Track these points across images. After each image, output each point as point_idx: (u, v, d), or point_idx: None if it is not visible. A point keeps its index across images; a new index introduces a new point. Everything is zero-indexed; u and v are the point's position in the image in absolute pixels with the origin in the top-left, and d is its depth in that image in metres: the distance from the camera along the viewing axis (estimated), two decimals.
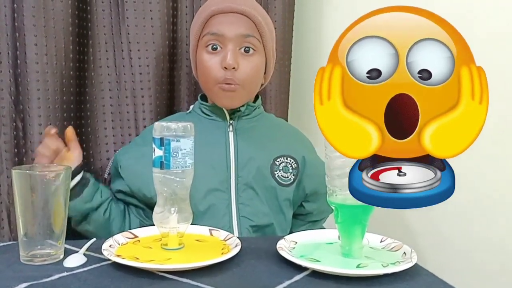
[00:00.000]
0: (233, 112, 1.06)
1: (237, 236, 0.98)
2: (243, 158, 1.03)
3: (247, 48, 1.02)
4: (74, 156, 0.97)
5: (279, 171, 1.04)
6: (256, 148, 1.05)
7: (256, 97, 1.12)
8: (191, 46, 1.09)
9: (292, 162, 1.06)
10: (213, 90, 1.04)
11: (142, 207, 1.05)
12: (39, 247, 0.75)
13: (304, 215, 1.13)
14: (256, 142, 1.06)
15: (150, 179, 0.96)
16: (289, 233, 1.07)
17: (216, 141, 1.04)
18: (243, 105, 1.06)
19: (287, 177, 1.05)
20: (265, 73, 1.10)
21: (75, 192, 0.96)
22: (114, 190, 1.07)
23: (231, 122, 1.06)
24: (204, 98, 1.11)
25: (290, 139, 1.12)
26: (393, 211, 1.23)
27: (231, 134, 1.05)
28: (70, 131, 0.98)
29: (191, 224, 0.81)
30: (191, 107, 1.14)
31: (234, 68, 1.00)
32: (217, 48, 1.02)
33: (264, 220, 1.02)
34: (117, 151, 1.13)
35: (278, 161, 1.05)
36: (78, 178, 0.97)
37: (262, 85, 1.12)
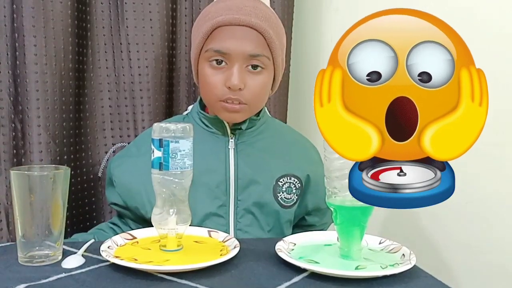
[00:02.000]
0: (234, 129, 1.00)
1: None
2: (243, 181, 0.97)
3: (254, 65, 0.94)
4: None
5: (282, 192, 0.99)
6: (258, 168, 0.99)
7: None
8: (192, 54, 1.00)
9: (296, 182, 1.00)
10: (215, 106, 0.96)
11: (140, 223, 1.02)
12: (37, 248, 0.75)
13: (306, 226, 1.09)
14: (258, 161, 0.99)
15: (146, 198, 0.95)
16: None
17: (215, 159, 0.98)
18: (244, 121, 0.99)
19: (290, 198, 1.00)
20: (272, 84, 1.02)
21: None
22: (109, 202, 1.04)
23: (231, 136, 0.99)
24: (203, 103, 1.04)
25: (295, 153, 1.05)
26: (392, 213, 1.23)
27: (231, 152, 0.98)
28: None
29: (190, 225, 0.81)
30: (190, 108, 1.09)
31: (240, 88, 0.92)
32: (221, 62, 0.93)
33: None
34: (111, 159, 1.08)
35: (282, 182, 0.99)
36: None
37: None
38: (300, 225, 1.09)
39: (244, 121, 0.99)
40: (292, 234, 1.04)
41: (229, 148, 0.99)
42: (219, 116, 0.98)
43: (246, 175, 0.98)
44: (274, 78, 1.00)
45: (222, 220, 0.97)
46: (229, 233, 0.94)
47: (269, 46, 0.94)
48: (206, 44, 0.94)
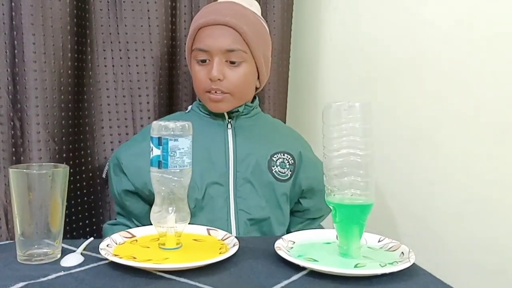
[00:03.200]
0: (231, 112, 1.07)
1: (235, 229, 1.01)
2: (241, 154, 1.05)
3: (232, 61, 1.03)
4: None
5: (277, 166, 1.06)
6: (254, 144, 1.07)
7: (254, 97, 1.13)
8: (186, 54, 1.11)
9: (289, 158, 1.07)
10: (203, 98, 1.07)
11: (142, 216, 1.04)
12: (36, 246, 0.75)
13: (302, 211, 1.14)
14: (254, 140, 1.07)
15: None
16: (286, 230, 1.09)
17: (215, 138, 1.06)
18: (240, 106, 1.07)
19: (284, 173, 1.06)
20: (258, 77, 1.10)
21: None
22: (120, 191, 1.05)
23: (229, 121, 1.08)
24: None
25: (287, 137, 1.14)
26: (391, 211, 1.23)
27: (229, 132, 1.07)
28: None
29: (189, 223, 0.81)
30: (190, 107, 1.14)
31: (219, 79, 1.02)
32: (205, 61, 1.04)
33: (261, 214, 1.04)
34: (116, 150, 1.12)
35: (276, 157, 1.06)
36: None
37: (257, 88, 1.13)
38: (297, 211, 1.13)
39: (240, 105, 1.07)
40: (290, 225, 1.10)
41: (227, 129, 1.07)
42: (208, 107, 1.07)
43: (243, 150, 1.06)
44: (258, 71, 1.09)
45: (222, 188, 1.03)
46: (229, 200, 1.02)
47: (245, 40, 1.03)
48: (193, 45, 1.07)
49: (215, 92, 1.03)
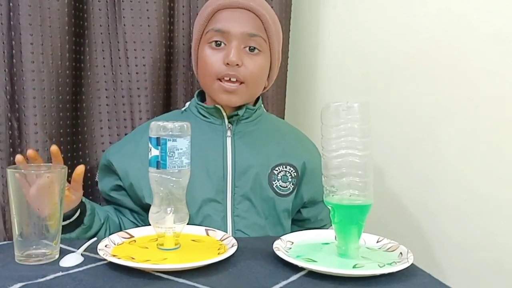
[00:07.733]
0: (231, 116, 1.02)
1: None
2: (240, 167, 0.99)
3: (252, 48, 0.98)
4: (76, 197, 0.89)
5: (278, 180, 1.00)
6: (254, 155, 1.01)
7: (257, 99, 1.08)
8: (193, 40, 1.04)
9: (291, 171, 1.02)
10: (213, 86, 0.99)
11: (137, 210, 1.03)
12: (34, 247, 0.75)
13: (301, 221, 1.10)
14: (255, 148, 1.01)
15: (141, 179, 0.96)
16: None
17: (213, 147, 1.00)
18: (241, 109, 1.01)
19: (286, 187, 1.01)
20: (268, 76, 1.05)
21: (76, 223, 0.92)
22: (109, 188, 1.04)
23: (229, 126, 1.02)
24: (201, 97, 1.08)
25: (291, 143, 1.07)
26: (389, 211, 1.23)
27: (229, 140, 1.01)
28: (79, 171, 0.87)
29: (187, 224, 0.81)
30: (187, 104, 1.11)
31: (237, 65, 0.96)
32: (220, 44, 0.97)
33: (260, 233, 0.99)
34: (107, 150, 1.09)
35: (277, 170, 1.01)
36: (76, 215, 0.92)
37: (264, 88, 1.07)
38: (296, 219, 1.10)
39: (241, 108, 1.01)
40: (290, 231, 1.05)
41: (226, 137, 1.01)
42: (216, 99, 1.00)
43: (243, 162, 1.00)
44: (270, 68, 1.04)
45: (219, 206, 0.98)
46: (227, 219, 0.97)
47: (266, 29, 0.99)
48: (207, 27, 1.00)
49: (229, 79, 0.96)
